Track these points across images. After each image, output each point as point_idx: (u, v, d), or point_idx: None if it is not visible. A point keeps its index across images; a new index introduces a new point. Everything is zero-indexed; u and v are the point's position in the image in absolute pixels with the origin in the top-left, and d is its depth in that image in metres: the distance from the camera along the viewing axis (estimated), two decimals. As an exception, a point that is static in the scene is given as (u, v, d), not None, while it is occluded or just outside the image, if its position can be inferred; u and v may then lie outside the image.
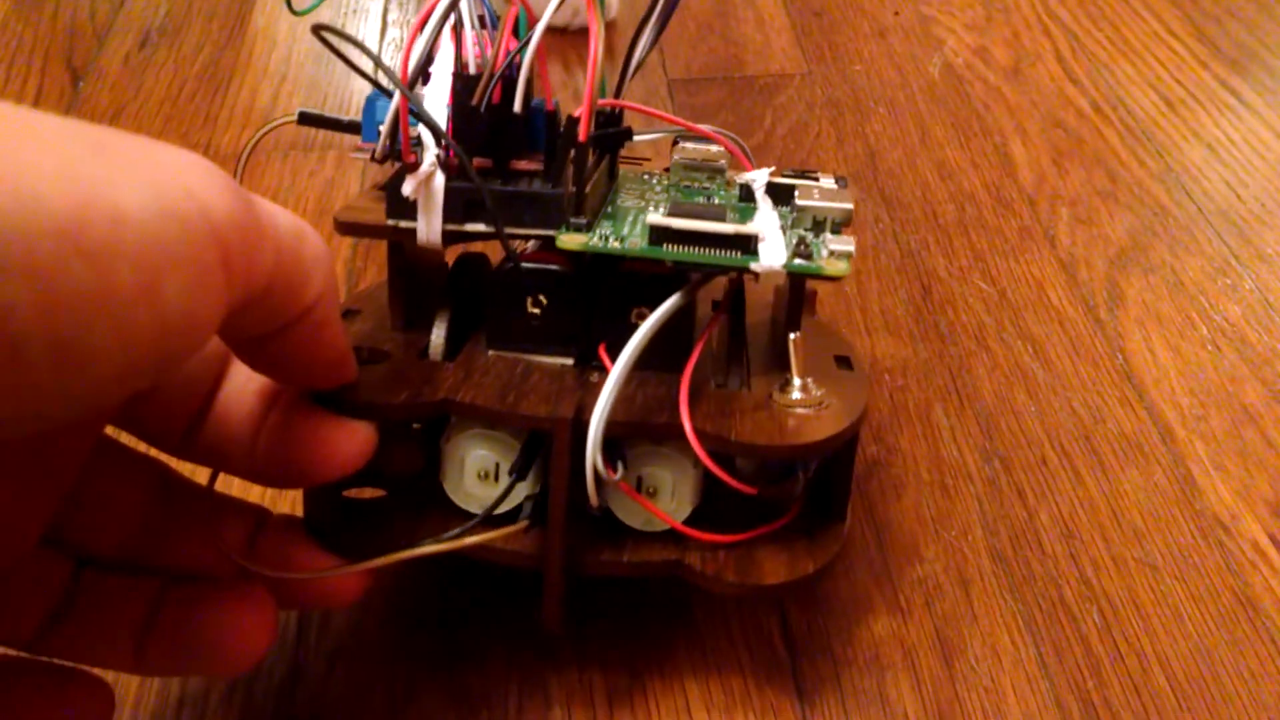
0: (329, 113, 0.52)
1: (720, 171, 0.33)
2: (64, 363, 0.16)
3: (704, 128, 0.33)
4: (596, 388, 0.28)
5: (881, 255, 0.46)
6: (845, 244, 0.28)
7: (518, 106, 0.27)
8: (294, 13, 0.29)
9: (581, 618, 0.32)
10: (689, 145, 0.33)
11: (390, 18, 0.64)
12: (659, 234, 0.27)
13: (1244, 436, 0.39)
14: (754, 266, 0.27)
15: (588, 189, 0.28)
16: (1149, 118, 0.54)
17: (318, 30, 0.25)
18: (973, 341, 0.42)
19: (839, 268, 0.28)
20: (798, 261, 0.27)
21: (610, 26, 0.61)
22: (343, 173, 0.52)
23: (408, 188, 0.27)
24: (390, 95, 0.28)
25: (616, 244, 0.28)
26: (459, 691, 0.31)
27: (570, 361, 0.30)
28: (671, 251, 0.27)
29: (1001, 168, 0.51)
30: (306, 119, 0.29)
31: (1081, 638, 0.33)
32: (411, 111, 0.27)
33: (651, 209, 0.30)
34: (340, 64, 0.59)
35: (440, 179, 0.27)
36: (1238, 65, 0.58)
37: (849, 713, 0.32)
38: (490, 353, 0.30)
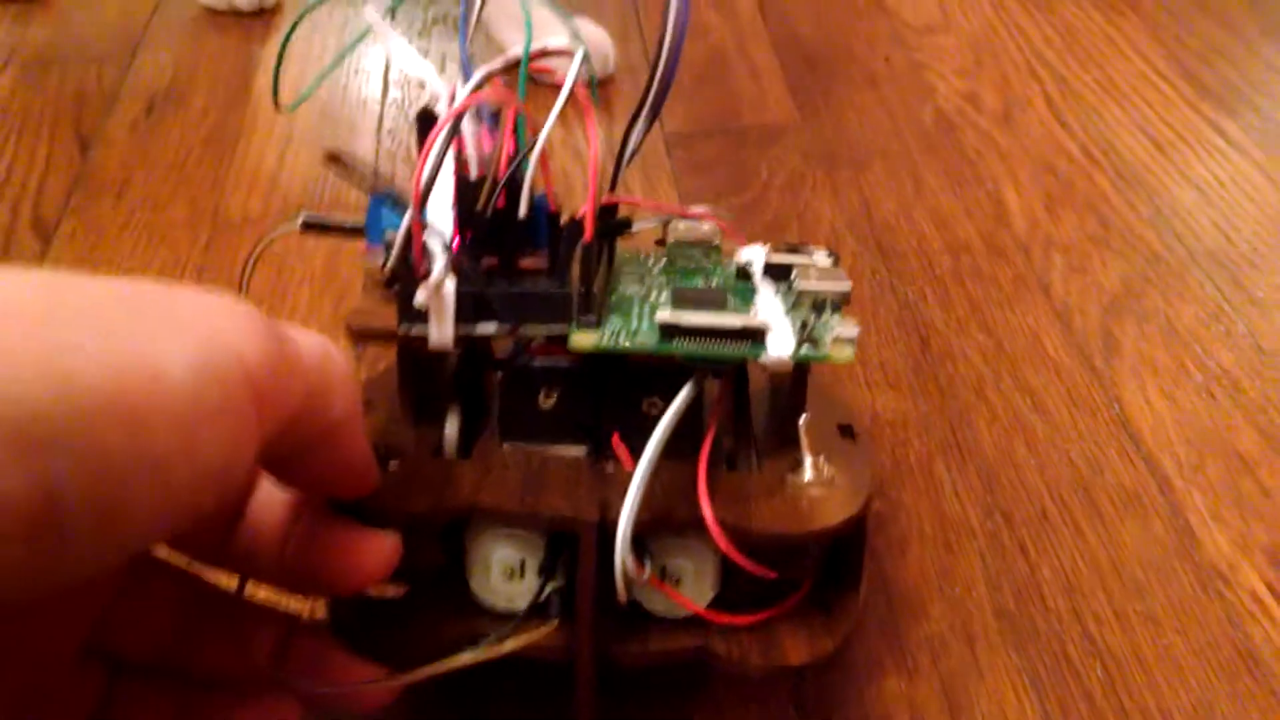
0: (336, 182, 0.53)
1: (715, 248, 0.34)
2: (103, 525, 0.17)
3: (697, 209, 0.34)
4: (614, 479, 0.29)
5: (880, 308, 0.47)
6: (849, 329, 0.29)
7: (523, 213, 0.28)
8: (279, 110, 0.30)
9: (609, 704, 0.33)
10: (682, 225, 0.34)
11: (392, 77, 0.65)
12: (669, 331, 0.28)
13: (1240, 486, 0.39)
14: (762, 360, 0.28)
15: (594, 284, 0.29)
16: (1139, 161, 0.55)
17: (330, 160, 0.26)
18: (972, 394, 0.43)
19: (845, 354, 0.29)
20: (805, 350, 0.28)
21: (608, 82, 0.62)
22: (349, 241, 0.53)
23: (420, 298, 0.28)
24: (394, 202, 0.29)
25: (627, 342, 0.28)
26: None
27: (583, 452, 0.30)
28: (681, 346, 0.28)
29: (995, 215, 0.52)
30: (310, 226, 0.30)
31: (1085, 693, 0.34)
32: (433, 230, 0.28)
33: (655, 293, 0.31)
34: (344, 125, 0.60)
35: (450, 286, 0.28)
36: (1225, 105, 0.59)
37: (860, 775, 0.32)
38: (505, 445, 0.31)
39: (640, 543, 0.29)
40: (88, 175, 0.58)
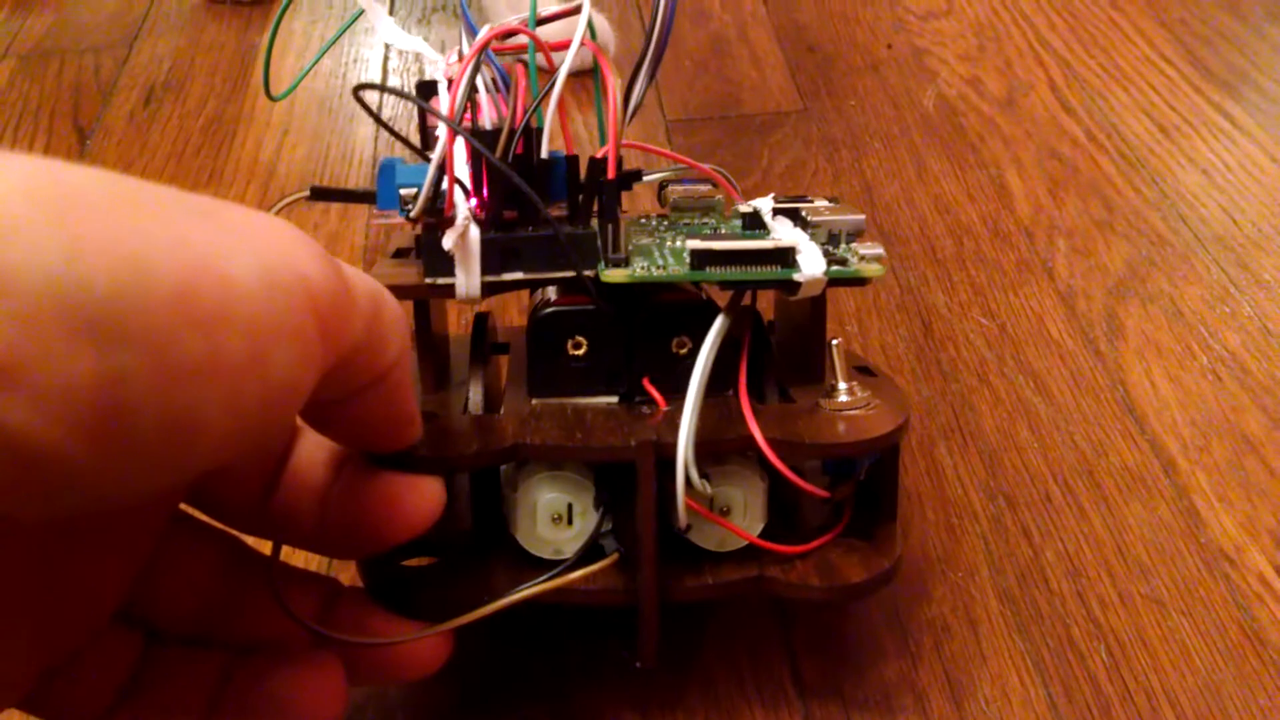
0: (335, 170, 0.53)
1: (715, 207, 0.34)
2: (174, 431, 0.16)
3: (704, 166, 0.34)
4: (653, 419, 0.29)
5: (881, 292, 0.47)
6: (873, 248, 0.30)
7: (544, 153, 0.28)
8: (271, 98, 0.30)
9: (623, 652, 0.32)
10: (679, 187, 0.34)
11: (391, 65, 0.64)
12: (701, 257, 0.28)
13: (1246, 467, 0.39)
14: (796, 277, 0.28)
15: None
16: (1143, 144, 0.54)
17: (358, 91, 0.26)
18: (974, 377, 0.43)
19: (874, 269, 0.29)
20: (835, 267, 0.28)
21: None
22: (347, 225, 0.53)
23: (448, 242, 0.28)
24: (407, 160, 0.29)
25: (660, 272, 0.28)
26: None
27: (616, 400, 0.30)
28: (715, 273, 0.28)
29: (998, 199, 0.51)
30: (319, 193, 0.30)
31: (1090, 676, 0.33)
32: (455, 180, 0.27)
33: (672, 239, 0.31)
34: (343, 115, 0.60)
35: (475, 232, 0.28)
36: (1230, 88, 0.58)
37: (861, 759, 0.32)
38: (535, 401, 0.30)
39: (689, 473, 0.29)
40: (86, 163, 0.57)
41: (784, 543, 0.30)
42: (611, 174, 0.28)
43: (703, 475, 0.29)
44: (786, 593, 0.30)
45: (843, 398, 0.30)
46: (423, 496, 0.26)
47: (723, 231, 0.32)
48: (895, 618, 0.35)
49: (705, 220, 0.34)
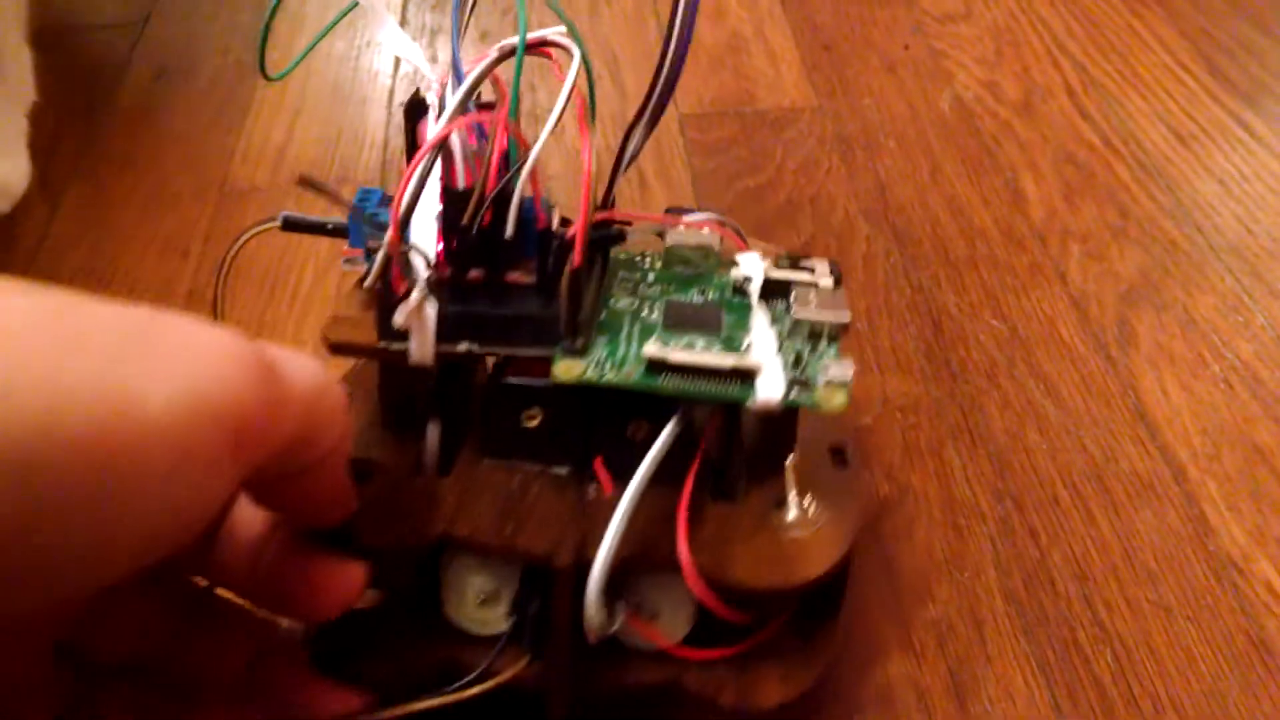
0: (346, 153, 0.52)
1: (711, 259, 0.32)
2: (71, 560, 0.17)
3: (697, 217, 0.33)
4: (595, 507, 0.28)
5: (892, 292, 0.46)
6: (843, 370, 0.28)
7: (509, 231, 0.27)
8: (267, 79, 0.29)
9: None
10: (678, 234, 0.33)
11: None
12: (655, 366, 0.27)
13: (1257, 476, 0.39)
14: (750, 404, 0.27)
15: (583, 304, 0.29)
16: (1160, 152, 0.54)
17: (302, 183, 0.26)
18: (984, 379, 0.42)
19: (836, 402, 0.27)
20: (795, 395, 0.27)
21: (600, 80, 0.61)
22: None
23: (399, 318, 0.27)
24: (375, 204, 0.29)
25: (613, 374, 0.27)
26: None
27: (566, 471, 0.30)
28: (667, 384, 0.27)
29: (1012, 203, 0.51)
30: (290, 225, 0.29)
31: (1095, 680, 0.33)
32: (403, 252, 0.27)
33: (648, 308, 0.30)
34: (355, 99, 0.60)
35: (431, 308, 0.27)
36: (1249, 99, 0.58)
37: (862, 756, 0.32)
38: (486, 461, 0.30)
39: (615, 580, 0.28)
40: (96, 142, 0.57)
41: (713, 641, 0.29)
42: (578, 261, 0.27)
43: (630, 580, 0.29)
44: (698, 704, 0.30)
45: (791, 514, 0.29)
46: (344, 580, 0.26)
47: (704, 303, 0.31)
48: (899, 616, 0.35)
49: (699, 273, 0.32)
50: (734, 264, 0.31)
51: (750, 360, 0.27)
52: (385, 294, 0.27)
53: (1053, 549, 0.37)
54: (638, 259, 0.33)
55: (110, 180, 0.55)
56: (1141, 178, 0.52)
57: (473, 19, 0.29)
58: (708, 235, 0.32)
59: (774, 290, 0.31)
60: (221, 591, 0.28)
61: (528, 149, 0.27)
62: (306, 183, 0.29)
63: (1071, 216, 0.50)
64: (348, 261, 0.29)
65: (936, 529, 0.37)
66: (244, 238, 0.30)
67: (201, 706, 0.27)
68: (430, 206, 0.28)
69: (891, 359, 0.43)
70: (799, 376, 0.28)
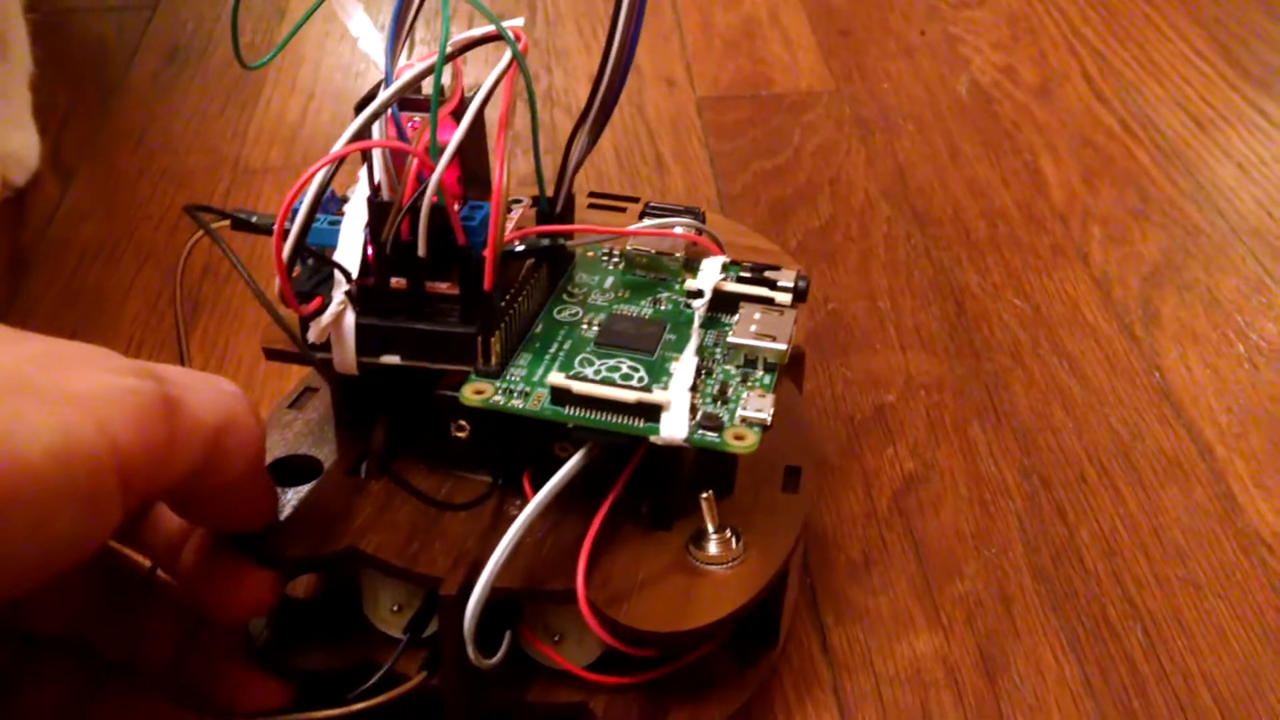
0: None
1: (674, 259, 0.32)
2: None
3: (667, 221, 0.32)
4: (508, 521, 0.27)
5: (914, 272, 0.46)
6: (760, 410, 0.27)
7: (421, 250, 0.27)
8: (245, 68, 0.29)
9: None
10: (643, 238, 0.32)
11: (418, 36, 0.64)
12: (560, 396, 0.27)
13: (1285, 455, 0.38)
14: (653, 439, 0.26)
15: (511, 311, 0.28)
16: (1179, 137, 0.54)
17: (187, 210, 0.25)
18: (1008, 358, 0.42)
19: (744, 445, 0.26)
20: (700, 435, 0.26)
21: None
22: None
23: (311, 335, 0.27)
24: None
25: (518, 402, 0.27)
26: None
27: (492, 481, 0.29)
28: (572, 414, 0.27)
29: (1032, 185, 0.51)
30: (239, 225, 0.29)
31: (1126, 656, 0.33)
32: (320, 258, 0.27)
33: (589, 320, 0.30)
34: (366, 80, 0.60)
35: (350, 318, 0.27)
36: (1265, 85, 0.57)
37: (892, 730, 0.31)
38: (422, 467, 0.30)
39: (510, 605, 0.28)
40: (108, 121, 0.57)
41: (625, 666, 0.28)
42: (487, 286, 0.27)
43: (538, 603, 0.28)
44: None
45: (711, 549, 0.28)
46: (254, 588, 0.27)
47: (646, 319, 0.30)
48: (926, 591, 0.35)
49: (659, 278, 0.31)
50: (697, 271, 0.30)
51: (654, 396, 0.26)
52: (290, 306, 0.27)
53: (1080, 526, 0.36)
54: (604, 259, 0.33)
55: (122, 156, 0.54)
56: (1161, 162, 0.52)
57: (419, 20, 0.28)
58: (670, 242, 0.32)
59: (728, 304, 0.30)
60: (163, 575, 0.28)
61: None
62: (240, 224, 0.28)
63: (1092, 199, 0.50)
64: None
65: (963, 505, 0.37)
66: (194, 240, 0.29)
67: (131, 692, 0.28)
68: (359, 216, 0.28)
69: (915, 337, 0.43)
70: (713, 412, 0.27)
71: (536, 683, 0.29)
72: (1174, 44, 0.61)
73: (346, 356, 0.28)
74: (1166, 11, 0.64)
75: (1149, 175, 0.51)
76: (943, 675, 0.32)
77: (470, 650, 0.26)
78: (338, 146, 0.25)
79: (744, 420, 0.27)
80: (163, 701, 0.28)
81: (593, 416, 0.26)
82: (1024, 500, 0.37)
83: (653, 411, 0.26)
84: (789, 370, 0.34)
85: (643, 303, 0.31)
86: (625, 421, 0.26)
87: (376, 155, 0.26)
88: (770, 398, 0.27)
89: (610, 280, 0.32)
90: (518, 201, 0.32)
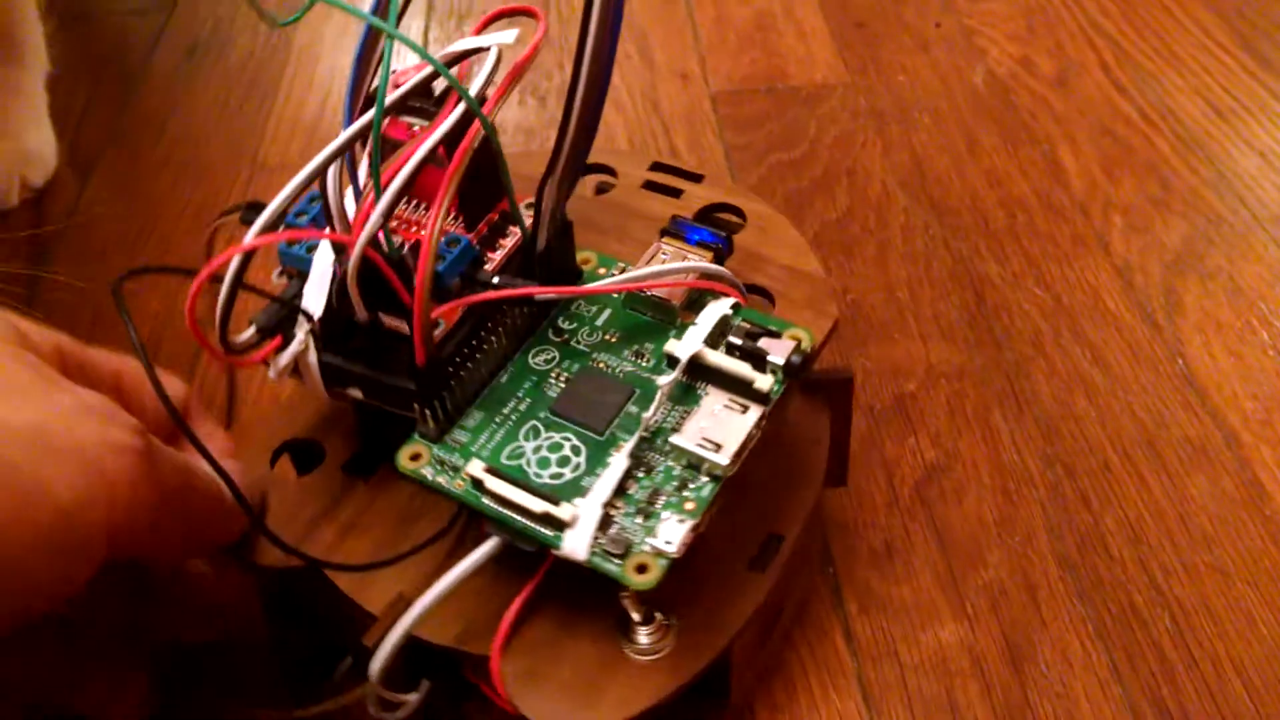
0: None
1: (670, 311, 0.30)
2: None
3: (682, 267, 0.30)
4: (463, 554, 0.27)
5: (933, 262, 0.46)
6: (671, 537, 0.25)
7: (359, 315, 0.27)
8: (274, 26, 0.29)
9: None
10: (662, 260, 0.31)
11: (431, 35, 0.64)
12: (478, 485, 0.26)
13: (1312, 442, 0.38)
14: (555, 551, 0.26)
15: (464, 372, 0.28)
16: (1199, 126, 0.53)
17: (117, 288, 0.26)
18: (1029, 347, 0.42)
19: (642, 580, 0.25)
20: (600, 560, 0.25)
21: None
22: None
23: (271, 373, 0.27)
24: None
25: (444, 479, 0.27)
26: None
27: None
28: (487, 506, 0.26)
29: (1051, 175, 0.50)
30: (249, 221, 0.29)
31: (1154, 643, 0.32)
32: (281, 301, 0.28)
33: (557, 376, 0.29)
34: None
35: (313, 357, 0.27)
36: (1286, 75, 0.57)
37: (916, 719, 0.31)
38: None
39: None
40: (128, 114, 0.57)
41: None
42: (420, 360, 0.26)
43: None
44: None
45: (640, 639, 0.27)
46: (224, 586, 0.29)
47: (617, 380, 0.29)
48: (950, 580, 0.34)
49: (651, 329, 0.30)
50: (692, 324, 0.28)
51: (560, 511, 0.25)
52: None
53: (1105, 514, 0.36)
54: (611, 274, 0.32)
55: (141, 151, 0.54)
56: (1181, 151, 0.52)
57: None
58: (666, 293, 0.30)
59: (707, 373, 0.28)
60: None
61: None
62: (255, 207, 0.28)
63: (1112, 188, 0.49)
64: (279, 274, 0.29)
65: (986, 494, 0.37)
66: (218, 219, 0.29)
67: None
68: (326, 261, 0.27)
69: (934, 327, 0.43)
70: (623, 534, 0.25)
71: (475, 704, 0.29)
72: (1193, 34, 0.60)
73: (315, 387, 0.28)
74: (1185, 2, 0.63)
75: (1170, 164, 0.51)
76: (968, 664, 0.32)
77: (370, 700, 0.26)
78: (255, 230, 0.25)
79: (653, 549, 0.25)
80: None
81: (504, 513, 0.26)
82: (1047, 489, 0.37)
83: (556, 524, 0.25)
84: (834, 398, 0.32)
85: (625, 354, 0.30)
86: (532, 526, 0.26)
87: (331, 196, 0.26)
88: (689, 524, 0.25)
89: (606, 315, 0.31)
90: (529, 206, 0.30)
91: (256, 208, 0.28)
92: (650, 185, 0.37)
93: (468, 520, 0.29)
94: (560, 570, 0.27)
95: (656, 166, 0.37)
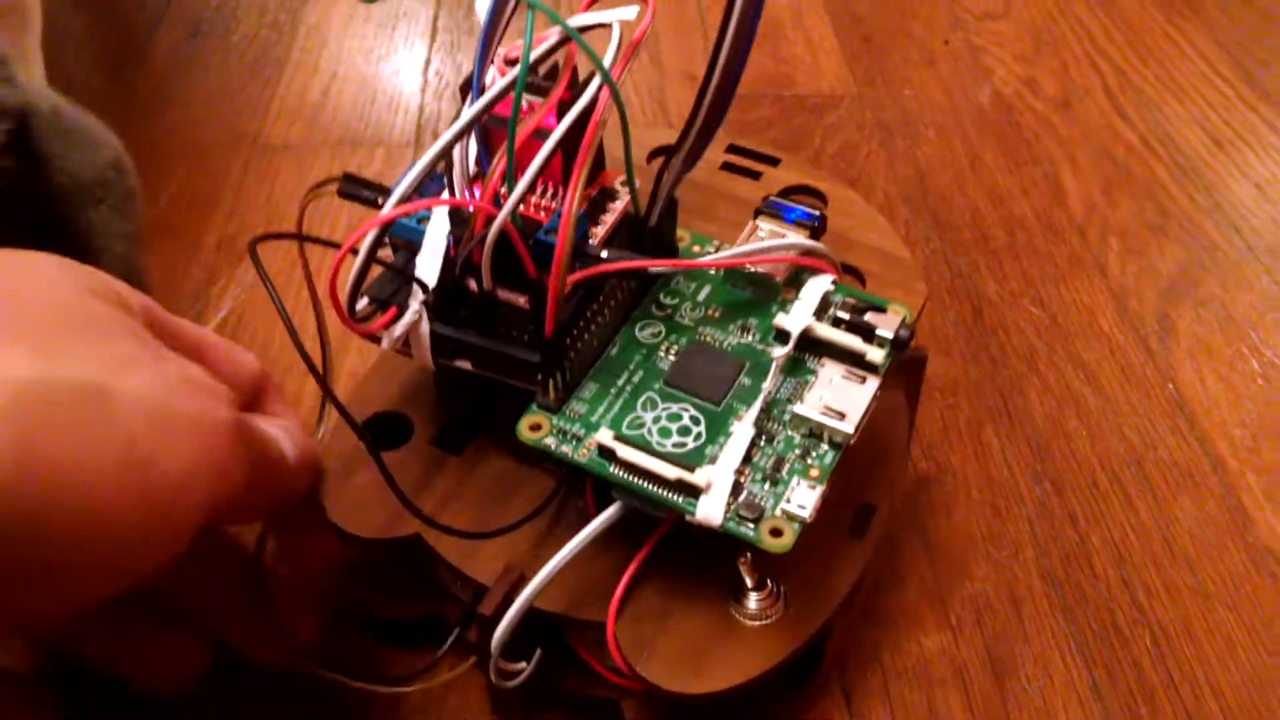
0: (381, 117, 0.52)
1: (775, 286, 0.31)
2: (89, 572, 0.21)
3: (778, 245, 0.30)
4: (566, 530, 0.27)
5: (932, 276, 0.46)
6: (804, 502, 0.26)
7: (486, 284, 0.27)
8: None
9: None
10: (764, 230, 0.32)
11: (440, 23, 0.64)
12: (606, 454, 0.27)
13: (1297, 471, 0.38)
14: (689, 518, 0.26)
15: (580, 344, 0.28)
16: (1197, 155, 0.54)
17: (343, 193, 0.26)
18: (1023, 364, 0.42)
19: (778, 544, 0.25)
20: (735, 524, 0.26)
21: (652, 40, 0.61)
22: (391, 166, 0.52)
23: (385, 344, 0.28)
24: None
25: (568, 449, 0.27)
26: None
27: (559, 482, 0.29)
28: (616, 475, 0.26)
29: (1051, 196, 0.51)
30: (346, 194, 0.29)
31: (1134, 662, 0.33)
32: (398, 270, 0.28)
33: (666, 348, 0.29)
34: (389, 64, 0.60)
35: (425, 326, 0.27)
36: (1285, 109, 0.58)
37: (899, 725, 0.31)
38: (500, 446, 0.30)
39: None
40: (128, 93, 0.57)
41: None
42: (548, 333, 0.27)
43: None
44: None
45: (750, 605, 0.27)
46: (183, 656, 0.28)
47: (727, 354, 0.29)
48: (936, 591, 0.35)
49: (752, 305, 0.30)
50: (776, 325, 0.29)
51: (694, 477, 0.26)
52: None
53: (1091, 532, 0.36)
54: (708, 251, 0.32)
55: (141, 129, 0.54)
56: (1179, 178, 0.52)
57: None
58: (769, 269, 0.30)
59: (817, 346, 0.28)
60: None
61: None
62: (352, 180, 0.29)
63: (1111, 211, 0.50)
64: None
65: (975, 508, 0.37)
66: (311, 190, 0.29)
67: None
68: (443, 219, 0.28)
69: (931, 340, 0.43)
70: (755, 499, 0.26)
71: (575, 673, 0.29)
72: (1195, 64, 0.61)
73: (424, 357, 0.28)
74: (1188, 31, 0.64)
75: (1168, 191, 0.51)
76: (950, 674, 0.33)
77: (492, 669, 0.27)
78: (401, 187, 0.25)
79: (785, 513, 0.26)
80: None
81: (634, 481, 0.26)
82: (1035, 505, 0.37)
83: (691, 490, 0.26)
84: (907, 375, 0.33)
85: (730, 328, 0.30)
86: (664, 493, 0.26)
87: (456, 169, 0.27)
88: (819, 490, 0.26)
89: (706, 291, 0.31)
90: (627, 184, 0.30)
91: (352, 179, 0.28)
92: (728, 167, 0.38)
93: (566, 491, 0.29)
94: (667, 538, 0.27)
95: (733, 149, 0.38)
